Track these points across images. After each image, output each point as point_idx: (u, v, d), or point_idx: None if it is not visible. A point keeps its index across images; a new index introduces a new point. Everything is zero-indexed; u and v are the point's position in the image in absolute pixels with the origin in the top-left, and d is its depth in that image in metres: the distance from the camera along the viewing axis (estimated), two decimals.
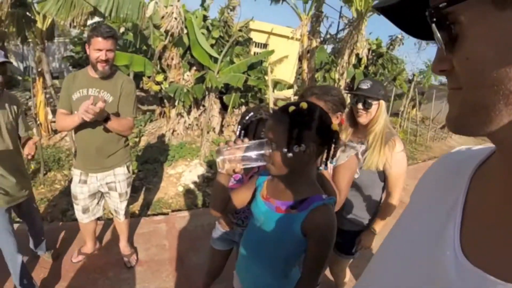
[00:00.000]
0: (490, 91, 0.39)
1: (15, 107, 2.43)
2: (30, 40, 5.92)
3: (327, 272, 2.67)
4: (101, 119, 2.38)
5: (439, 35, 0.43)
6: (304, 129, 1.20)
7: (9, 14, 5.00)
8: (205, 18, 7.57)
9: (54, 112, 5.03)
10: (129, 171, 2.87)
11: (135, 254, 3.22)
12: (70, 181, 2.79)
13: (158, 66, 6.47)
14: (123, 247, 3.16)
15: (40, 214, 2.89)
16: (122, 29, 9.48)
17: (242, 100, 7.30)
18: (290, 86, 8.51)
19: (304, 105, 1.23)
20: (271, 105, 6.25)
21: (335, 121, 1.62)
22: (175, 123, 6.72)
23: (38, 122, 5.76)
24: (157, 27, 6.01)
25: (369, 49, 8.62)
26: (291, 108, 1.23)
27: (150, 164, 5.56)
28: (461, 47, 0.41)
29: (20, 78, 9.33)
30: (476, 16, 0.39)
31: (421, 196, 0.66)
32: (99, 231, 3.47)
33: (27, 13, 5.57)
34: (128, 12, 5.42)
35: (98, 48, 2.39)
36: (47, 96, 6.24)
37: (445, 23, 0.41)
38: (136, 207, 4.33)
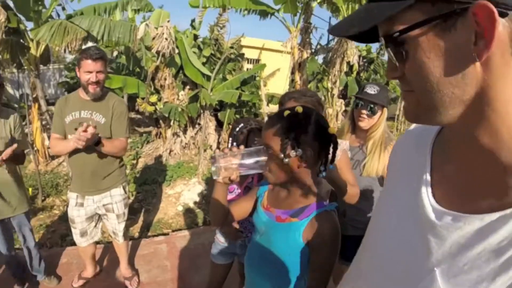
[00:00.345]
0: (436, 95, 0.52)
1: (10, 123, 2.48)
2: (25, 67, 5.96)
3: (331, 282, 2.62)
4: (93, 143, 2.38)
5: (392, 54, 0.55)
6: (300, 133, 1.17)
7: (2, 41, 5.05)
8: (195, 37, 7.64)
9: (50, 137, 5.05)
10: (125, 192, 2.85)
11: (137, 276, 3.16)
12: (68, 206, 2.77)
13: (152, 87, 6.50)
14: (123, 269, 3.11)
15: (33, 233, 2.85)
16: (115, 53, 9.58)
17: (237, 116, 7.31)
18: None
19: (299, 109, 1.20)
20: (266, 119, 6.26)
21: None
22: (172, 143, 6.71)
23: (35, 149, 5.75)
24: (148, 48, 6.07)
25: (359, 56, 8.69)
26: (286, 112, 1.20)
27: (148, 185, 5.53)
28: (411, 62, 0.53)
29: (16, 106, 9.35)
30: (422, 40, 0.50)
31: (395, 168, 0.82)
32: (99, 255, 3.42)
33: (21, 40, 5.63)
34: (120, 35, 5.53)
35: (88, 70, 2.40)
36: (44, 122, 6.26)
37: (398, 45, 0.53)
38: (136, 229, 4.28)
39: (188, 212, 4.83)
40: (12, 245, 2.73)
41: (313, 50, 8.07)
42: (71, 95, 2.64)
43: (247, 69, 9.73)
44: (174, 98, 6.54)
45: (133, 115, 9.52)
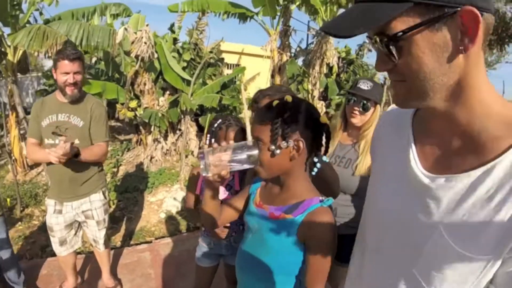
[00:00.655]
0: (429, 83, 0.63)
1: None
2: (2, 74, 5.79)
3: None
4: (72, 156, 2.31)
5: (386, 49, 0.63)
6: (290, 123, 1.11)
7: None
8: (175, 41, 7.56)
9: None
10: (105, 197, 2.76)
11: (120, 286, 3.07)
12: (47, 214, 2.67)
13: (131, 92, 6.38)
14: (106, 279, 3.01)
15: (9, 241, 2.71)
16: (94, 59, 9.41)
17: None
18: None
19: (288, 98, 1.15)
20: (248, 122, 6.22)
21: None
22: (153, 149, 6.59)
23: (13, 158, 5.57)
24: (127, 53, 5.96)
25: (339, 57, 8.76)
26: (275, 102, 1.16)
27: (130, 193, 5.40)
28: (406, 56, 0.62)
29: None
30: (417, 37, 0.60)
31: (381, 148, 0.93)
32: (81, 265, 3.30)
33: None
34: (99, 40, 5.47)
35: (65, 71, 2.32)
36: (22, 132, 6.07)
37: (395, 42, 0.62)
38: (118, 238, 4.16)
39: (171, 219, 4.73)
40: None
41: (292, 54, 8.09)
42: (47, 98, 2.55)
43: (227, 74, 9.71)
44: (154, 104, 6.43)
45: (113, 122, 9.33)
